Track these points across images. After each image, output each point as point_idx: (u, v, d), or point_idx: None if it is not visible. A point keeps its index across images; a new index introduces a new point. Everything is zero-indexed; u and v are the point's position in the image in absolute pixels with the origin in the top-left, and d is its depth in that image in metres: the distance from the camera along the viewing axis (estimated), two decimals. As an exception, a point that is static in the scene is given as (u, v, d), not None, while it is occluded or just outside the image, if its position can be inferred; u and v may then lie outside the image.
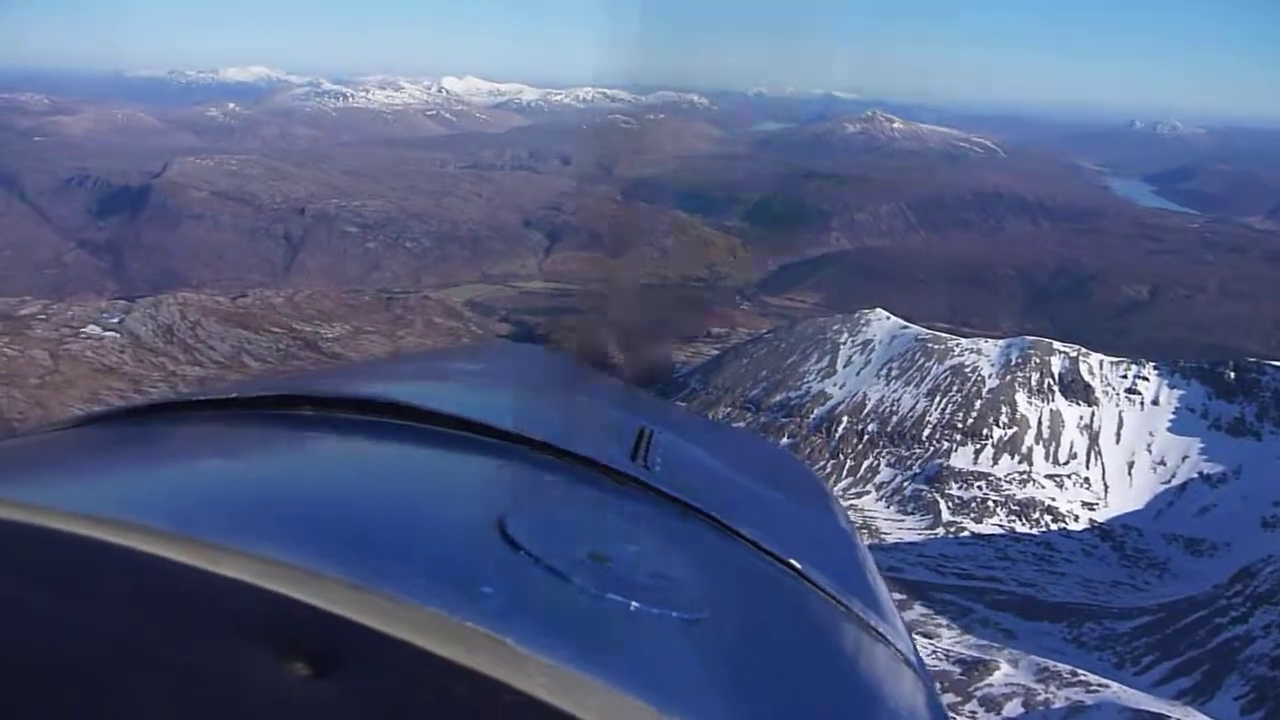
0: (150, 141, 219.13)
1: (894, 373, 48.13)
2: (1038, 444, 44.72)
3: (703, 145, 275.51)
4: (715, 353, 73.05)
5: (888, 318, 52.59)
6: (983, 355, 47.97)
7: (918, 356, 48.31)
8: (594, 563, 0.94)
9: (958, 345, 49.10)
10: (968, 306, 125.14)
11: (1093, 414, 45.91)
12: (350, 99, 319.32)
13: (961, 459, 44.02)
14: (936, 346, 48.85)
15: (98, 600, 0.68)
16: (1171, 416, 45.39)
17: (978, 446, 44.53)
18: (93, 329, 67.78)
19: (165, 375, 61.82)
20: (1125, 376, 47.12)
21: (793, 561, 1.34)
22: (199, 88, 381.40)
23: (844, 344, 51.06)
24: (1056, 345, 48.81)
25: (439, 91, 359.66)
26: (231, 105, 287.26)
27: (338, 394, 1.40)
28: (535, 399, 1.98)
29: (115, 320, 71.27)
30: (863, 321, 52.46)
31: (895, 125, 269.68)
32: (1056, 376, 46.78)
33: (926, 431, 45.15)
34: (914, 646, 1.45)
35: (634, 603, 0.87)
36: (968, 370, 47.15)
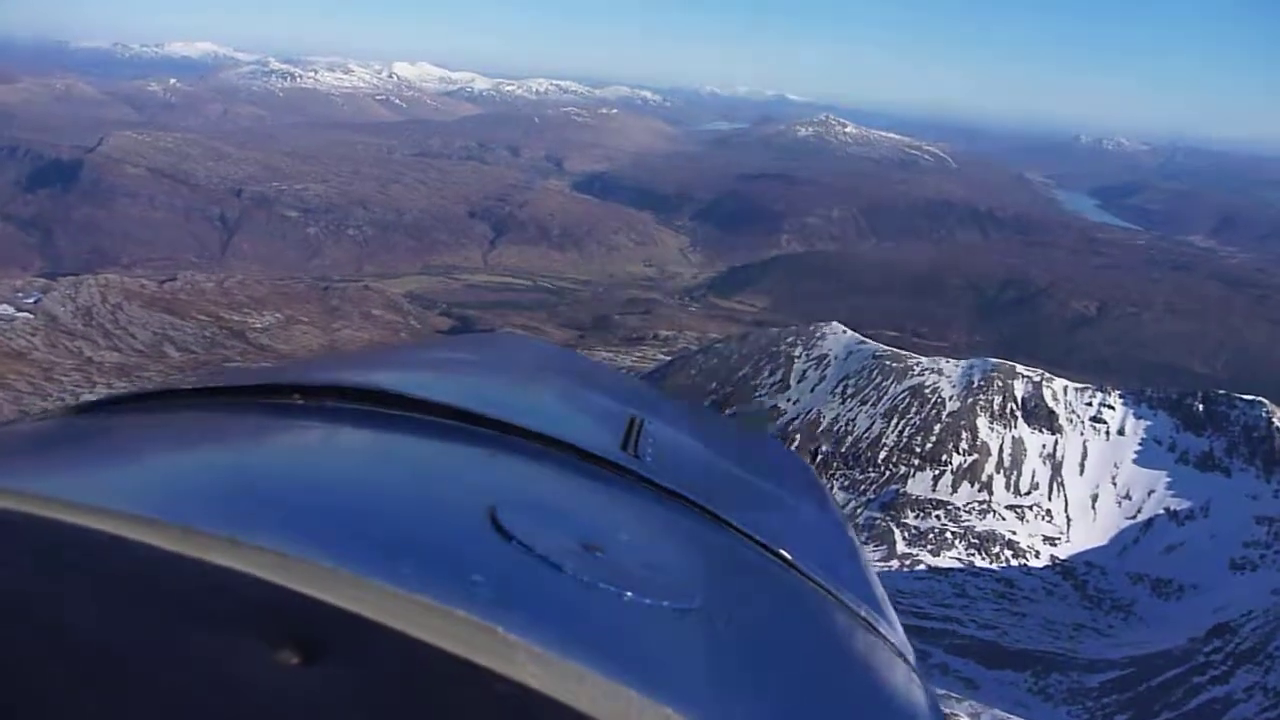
0: (88, 114, 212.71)
1: (850, 391, 45.87)
2: (999, 472, 42.71)
3: (655, 142, 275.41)
4: (664, 357, 70.65)
5: (844, 332, 50.35)
6: (943, 376, 45.76)
7: (875, 374, 46.07)
8: (584, 552, 0.94)
9: (917, 364, 46.79)
10: (918, 316, 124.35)
11: (1056, 442, 43.98)
12: (298, 79, 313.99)
13: (919, 485, 41.93)
14: (895, 365, 46.63)
15: (85, 587, 0.68)
16: (1138, 448, 43.61)
17: (936, 473, 42.44)
18: (4, 309, 63.85)
19: (79, 362, 58.14)
20: (1090, 404, 45.24)
21: (783, 551, 1.36)
22: (143, 61, 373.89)
23: (798, 357, 48.78)
24: (1020, 369, 46.75)
25: (390, 76, 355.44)
26: (174, 81, 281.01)
27: (328, 382, 1.41)
28: (527, 388, 2.00)
29: (31, 300, 67.31)
30: (818, 335, 50.15)
31: (848, 130, 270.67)
32: (1019, 401, 44.78)
33: (883, 454, 42.94)
34: (905, 638, 1.45)
35: (624, 592, 0.87)
36: (927, 391, 44.95)
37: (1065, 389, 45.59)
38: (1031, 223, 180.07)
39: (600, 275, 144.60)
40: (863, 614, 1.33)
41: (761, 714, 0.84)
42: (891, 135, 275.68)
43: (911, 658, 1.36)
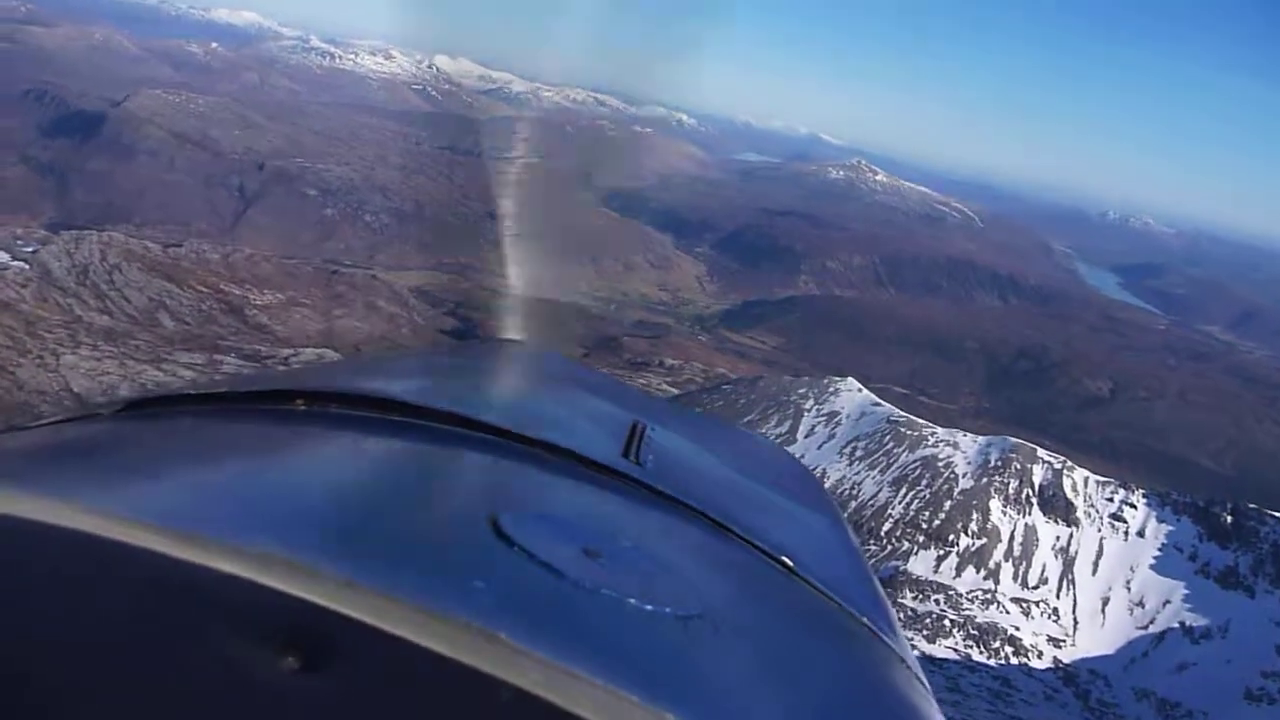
0: (123, 67, 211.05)
1: (859, 453, 43.75)
2: (1007, 561, 40.51)
3: (685, 165, 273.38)
4: (669, 388, 68.50)
5: (859, 390, 48.20)
6: (959, 450, 43.61)
7: (887, 439, 43.92)
8: (586, 559, 0.94)
9: (933, 434, 44.64)
10: (928, 375, 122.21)
11: (1071, 536, 41.78)
12: (338, 59, 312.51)
13: (921, 565, 39.71)
14: (909, 432, 44.48)
15: (88, 593, 0.69)
16: (1157, 553, 41.30)
17: (941, 553, 40.22)
18: (0, 256, 61.80)
19: (67, 319, 56.08)
20: (1111, 500, 43.04)
21: (785, 558, 1.36)
22: (187, 22, 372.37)
23: (808, 411, 46.68)
24: (1041, 453, 44.53)
25: (429, 67, 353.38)
26: (215, 45, 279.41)
27: (331, 389, 1.41)
28: (530, 396, 2.03)
29: (29, 250, 65.40)
30: (831, 389, 48.01)
31: (878, 177, 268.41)
32: (1036, 488, 42.62)
33: (887, 526, 40.79)
34: (907, 643, 1.46)
35: (626, 599, 0.88)
36: (940, 464, 42.79)
37: (1086, 480, 43.37)
38: (1052, 293, 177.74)
39: (613, 293, 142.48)
40: (865, 620, 1.34)
41: None
42: (921, 188, 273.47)
43: (915, 664, 1.37)
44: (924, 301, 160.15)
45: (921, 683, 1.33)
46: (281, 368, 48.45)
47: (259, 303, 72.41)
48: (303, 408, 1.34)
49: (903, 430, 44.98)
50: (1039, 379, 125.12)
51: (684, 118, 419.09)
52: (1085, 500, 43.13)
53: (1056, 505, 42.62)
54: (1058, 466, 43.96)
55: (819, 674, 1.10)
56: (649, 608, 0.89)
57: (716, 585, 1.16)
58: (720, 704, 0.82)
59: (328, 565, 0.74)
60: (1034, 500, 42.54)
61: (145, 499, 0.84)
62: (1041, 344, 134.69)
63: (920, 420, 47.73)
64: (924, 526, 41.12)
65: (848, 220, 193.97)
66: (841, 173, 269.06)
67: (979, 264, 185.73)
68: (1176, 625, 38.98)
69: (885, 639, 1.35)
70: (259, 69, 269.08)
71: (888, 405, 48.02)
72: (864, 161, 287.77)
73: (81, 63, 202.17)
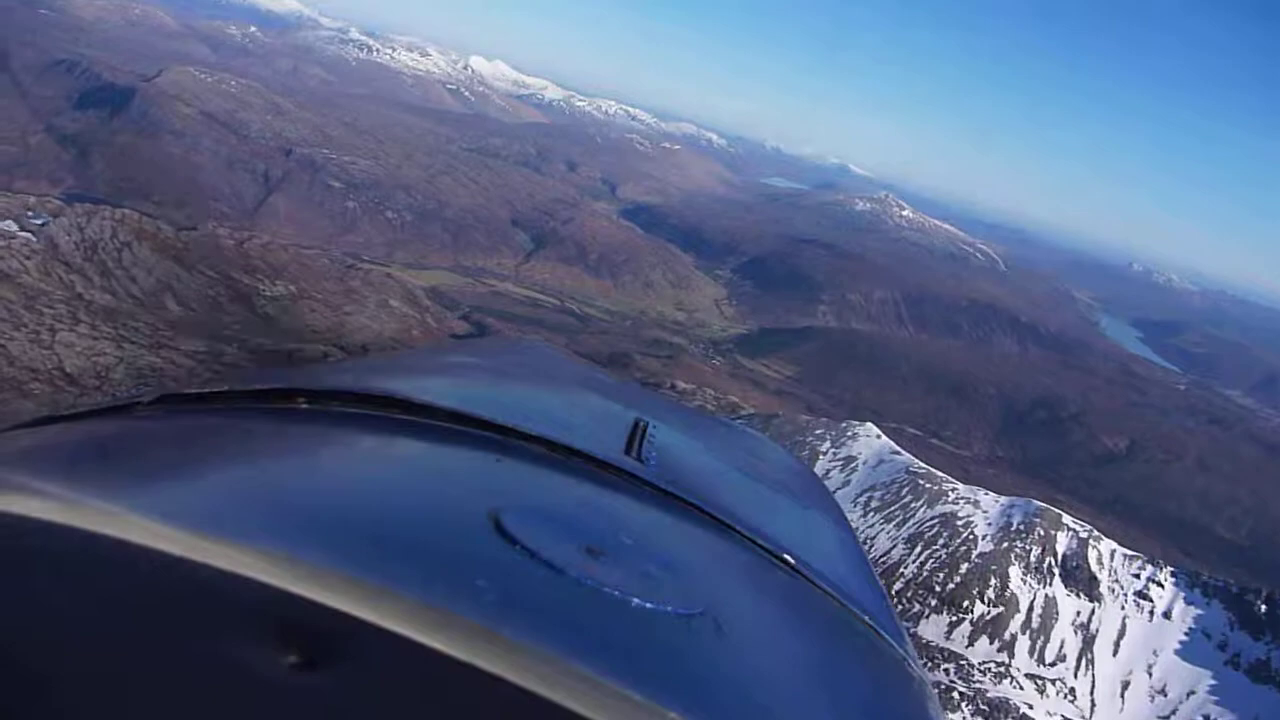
0: (159, 44, 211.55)
1: (874, 503, 41.81)
2: (1024, 633, 38.35)
3: (711, 185, 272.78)
4: (678, 415, 66.58)
5: (878, 436, 46.25)
6: (980, 509, 41.51)
7: (905, 492, 41.95)
8: (588, 556, 0.95)
9: (953, 490, 42.56)
10: (942, 417, 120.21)
11: (1093, 611, 39.57)
12: (374, 52, 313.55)
13: (932, 630, 37.64)
14: (929, 485, 42.45)
15: (89, 592, 0.69)
16: (1183, 638, 39.05)
17: (954, 619, 38.11)
18: (7, 224, 60.36)
19: (69, 296, 54.57)
20: (1138, 575, 40.81)
21: (786, 556, 1.37)
22: (227, 4, 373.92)
23: (824, 453, 44.80)
24: (1067, 519, 42.33)
25: (465, 68, 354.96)
26: (253, 29, 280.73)
27: (332, 387, 1.43)
28: (530, 393, 2.05)
29: (39, 222, 63.81)
30: (849, 433, 46.14)
31: (905, 213, 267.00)
32: (1060, 557, 40.44)
33: (898, 585, 38.77)
34: (910, 642, 1.47)
35: (628, 597, 0.89)
36: (959, 523, 40.71)
37: (1113, 553, 41.19)
38: (1072, 343, 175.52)
39: (629, 309, 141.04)
40: (868, 619, 1.35)
41: (767, 719, 0.85)
42: (947, 226, 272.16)
43: (917, 663, 1.39)
44: (943, 342, 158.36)
45: (924, 682, 1.34)
46: (284, 363, 47.12)
47: (269, 293, 70.90)
48: (305, 406, 1.35)
49: (922, 483, 42.94)
50: (1055, 430, 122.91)
51: (714, 137, 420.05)
52: (1110, 574, 40.88)
53: (1080, 577, 40.40)
54: (1084, 535, 41.76)
55: (821, 672, 1.11)
56: (651, 606, 0.90)
57: (719, 583, 1.18)
58: (723, 702, 0.82)
59: (329, 563, 0.75)
60: (1056, 570, 40.36)
61: (145, 497, 0.84)
62: (1059, 394, 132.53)
63: (940, 474, 45.60)
64: (938, 589, 39.01)
65: (871, 254, 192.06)
66: (868, 205, 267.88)
67: (1000, 308, 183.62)
68: (1200, 718, 36.84)
69: (888, 637, 1.36)
70: (295, 56, 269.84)
71: (907, 455, 46.01)
72: (891, 195, 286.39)
73: (117, 36, 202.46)
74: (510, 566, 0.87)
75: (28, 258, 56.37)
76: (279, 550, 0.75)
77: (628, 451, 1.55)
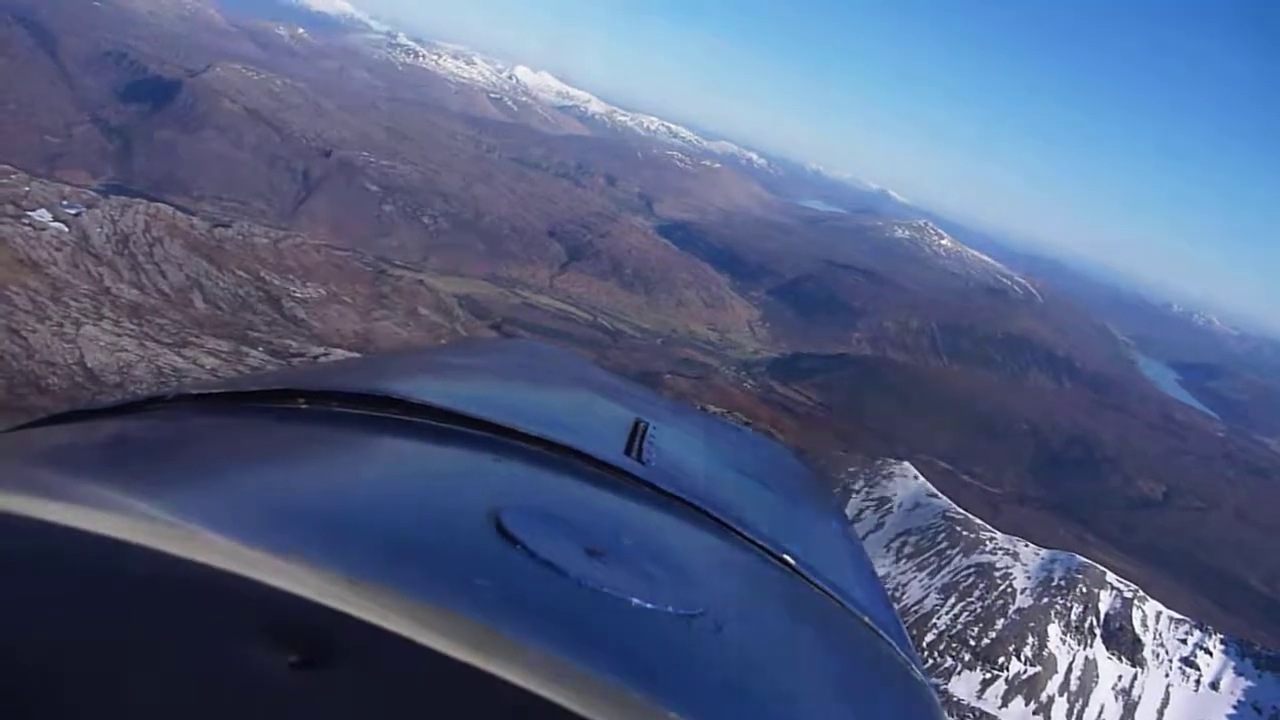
0: (207, 40, 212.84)
1: (908, 549, 39.97)
2: (1061, 695, 36.31)
3: (749, 205, 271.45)
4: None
5: (915, 477, 44.36)
6: (1019, 561, 39.46)
7: (940, 538, 40.06)
8: (588, 557, 0.95)
9: (992, 539, 40.54)
10: (974, 452, 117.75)
11: (1135, 677, 37.51)
12: (420, 58, 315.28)
13: (964, 687, 35.70)
14: (966, 533, 40.51)
15: (88, 591, 0.70)
16: (1231, 711, 36.78)
17: (988, 676, 36.16)
18: (42, 214, 59.85)
19: (96, 289, 53.91)
20: (1185, 641, 38.69)
21: (786, 557, 1.37)
22: (278, 5, 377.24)
23: (857, 492, 43.05)
24: (1110, 577, 40.18)
25: (509, 77, 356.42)
26: (302, 30, 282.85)
27: (332, 388, 1.43)
28: (531, 393, 2.07)
29: (73, 212, 63.40)
30: (884, 472, 44.35)
31: (943, 241, 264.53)
32: (1102, 616, 38.39)
33: (930, 637, 36.90)
34: (910, 642, 1.47)
35: (628, 597, 0.89)
36: (997, 575, 38.71)
37: (1159, 615, 39.08)
38: (1109, 382, 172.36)
39: (661, 326, 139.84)
40: (867, 619, 1.35)
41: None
42: (986, 258, 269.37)
43: (917, 662, 1.38)
44: (977, 374, 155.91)
45: (924, 681, 1.33)
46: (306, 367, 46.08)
47: (298, 295, 70.17)
48: (305, 406, 1.36)
49: (959, 530, 41.02)
50: (1089, 471, 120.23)
51: (755, 157, 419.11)
52: (1155, 638, 38.77)
53: (1123, 640, 38.34)
54: (1128, 595, 39.61)
55: (821, 672, 1.11)
56: (651, 606, 0.90)
57: (719, 584, 1.18)
58: (723, 703, 0.82)
59: (330, 563, 0.75)
60: (1098, 630, 38.30)
61: (145, 498, 0.84)
62: (1095, 434, 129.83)
63: (979, 521, 43.60)
64: (972, 644, 37.07)
65: (908, 281, 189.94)
66: (907, 232, 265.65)
67: (1037, 342, 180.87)
68: (1247, 800, 34.71)
69: (887, 638, 1.36)
70: (341, 58, 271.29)
71: (944, 499, 44.09)
72: (930, 224, 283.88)
73: (167, 30, 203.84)
74: (511, 567, 0.88)
75: (58, 248, 55.84)
76: (279, 550, 0.76)
77: (628, 452, 1.55)
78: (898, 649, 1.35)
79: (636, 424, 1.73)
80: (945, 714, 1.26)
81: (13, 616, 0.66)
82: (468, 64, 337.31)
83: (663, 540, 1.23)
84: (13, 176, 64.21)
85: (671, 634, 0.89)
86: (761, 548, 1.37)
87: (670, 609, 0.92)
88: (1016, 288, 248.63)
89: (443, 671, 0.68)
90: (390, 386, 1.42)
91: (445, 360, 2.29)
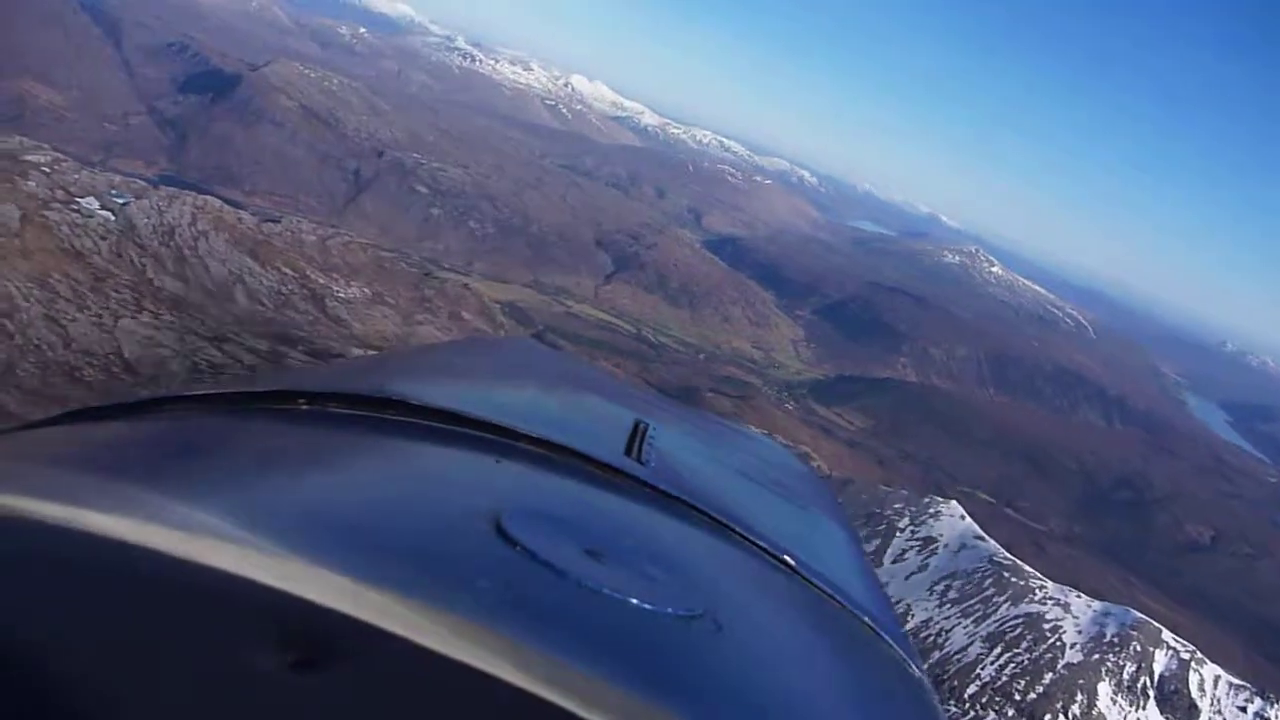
0: (269, 36, 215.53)
1: (953, 594, 38.29)
2: (1110, 760, 34.68)
3: (798, 223, 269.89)
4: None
5: (962, 517, 42.60)
6: (1070, 613, 37.62)
7: (988, 584, 38.33)
8: (589, 558, 0.95)
9: (1042, 588, 38.68)
10: (1019, 486, 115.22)
11: (1190, 744, 35.76)
12: (477, 62, 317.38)
13: (1006, 745, 34.14)
14: (1014, 580, 38.73)
15: (89, 592, 0.70)
16: (1293, 787, 35.12)
17: (1032, 734, 34.56)
18: (89, 202, 59.62)
19: (137, 280, 53.56)
20: (1245, 709, 36.62)
21: (787, 557, 1.37)
22: (340, 4, 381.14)
23: (901, 530, 41.45)
24: (1166, 636, 38.24)
25: (565, 85, 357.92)
26: (363, 30, 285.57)
27: (335, 389, 1.42)
28: (532, 394, 2.07)
29: (121, 201, 63.14)
30: (931, 510, 42.65)
31: (993, 269, 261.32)
32: (1156, 677, 36.43)
33: (973, 689, 35.12)
34: (910, 642, 1.46)
35: (628, 598, 0.88)
36: (1046, 627, 36.90)
37: (1217, 679, 37.07)
38: (1160, 422, 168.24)
39: (704, 342, 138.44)
40: (867, 620, 1.35)
41: None
42: (1036, 287, 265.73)
43: (917, 661, 1.38)
44: (1025, 406, 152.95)
45: (924, 681, 1.34)
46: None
47: (342, 294, 69.61)
48: (304, 407, 1.35)
49: (1007, 576, 39.21)
50: (1138, 512, 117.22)
51: (806, 175, 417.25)
52: (1213, 704, 36.73)
53: (1178, 703, 36.36)
54: (1185, 656, 37.62)
55: (822, 673, 1.10)
56: (651, 607, 0.90)
57: (719, 585, 1.17)
58: (723, 703, 0.82)
59: (330, 564, 0.75)
60: (1151, 692, 36.33)
61: (146, 498, 0.84)
62: (1145, 475, 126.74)
63: (1029, 569, 41.64)
64: (1016, 698, 35.24)
65: (956, 308, 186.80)
66: (957, 257, 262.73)
67: (1087, 377, 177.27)
68: None
69: (887, 638, 1.35)
70: (400, 60, 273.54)
71: (992, 542, 42.23)
72: (981, 250, 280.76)
73: (231, 25, 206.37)
74: (511, 568, 0.88)
75: (103, 237, 55.50)
76: (279, 551, 0.76)
77: (628, 453, 1.54)
78: (898, 649, 1.35)
79: (636, 425, 1.72)
80: (943, 713, 1.25)
81: (13, 617, 0.65)
82: (524, 70, 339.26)
83: (663, 541, 1.24)
84: (64, 164, 64.17)
85: (672, 635, 0.89)
86: (762, 548, 1.37)
87: (671, 610, 0.91)
88: (1067, 319, 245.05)
89: (443, 672, 0.68)
90: (390, 387, 1.41)
91: (445, 360, 2.31)
